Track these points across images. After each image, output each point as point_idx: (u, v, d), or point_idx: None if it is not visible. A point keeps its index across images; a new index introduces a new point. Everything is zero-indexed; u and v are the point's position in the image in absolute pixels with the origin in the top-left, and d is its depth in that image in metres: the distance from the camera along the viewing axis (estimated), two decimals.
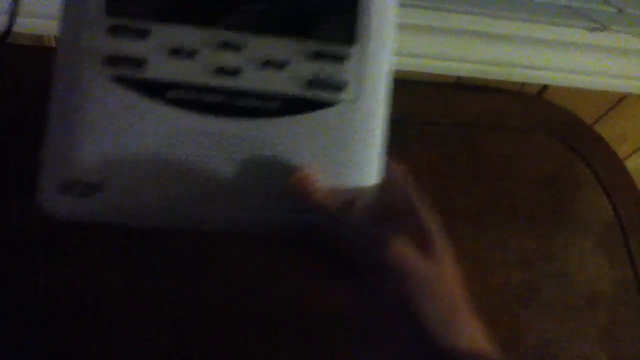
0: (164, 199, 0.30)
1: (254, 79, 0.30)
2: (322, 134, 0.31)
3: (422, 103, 0.62)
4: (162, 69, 0.30)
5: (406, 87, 0.58)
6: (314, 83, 0.31)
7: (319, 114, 0.31)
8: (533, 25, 0.60)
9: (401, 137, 0.55)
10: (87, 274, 0.45)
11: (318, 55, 0.31)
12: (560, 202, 0.61)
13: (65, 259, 0.46)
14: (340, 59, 0.31)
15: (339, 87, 0.31)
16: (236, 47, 0.30)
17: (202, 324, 0.46)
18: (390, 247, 0.29)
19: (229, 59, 0.30)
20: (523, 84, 0.68)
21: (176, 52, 0.30)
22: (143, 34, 0.30)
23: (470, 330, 0.29)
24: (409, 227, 0.31)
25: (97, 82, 0.29)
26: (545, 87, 0.69)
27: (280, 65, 0.31)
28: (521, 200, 0.60)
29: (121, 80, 0.29)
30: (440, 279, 0.29)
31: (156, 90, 0.30)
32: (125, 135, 0.30)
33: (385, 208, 0.32)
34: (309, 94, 0.31)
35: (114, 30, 0.30)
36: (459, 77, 0.66)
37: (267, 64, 0.30)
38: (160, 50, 0.30)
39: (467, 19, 0.59)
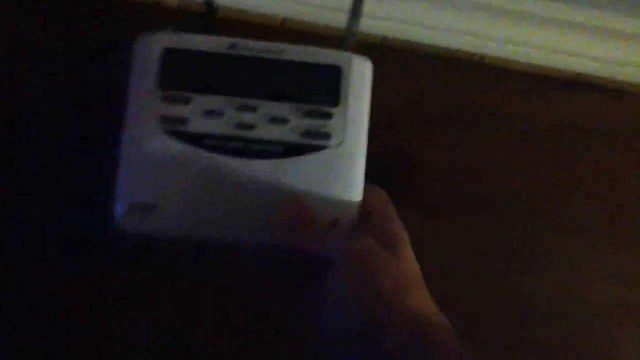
0: (200, 218, 0.42)
1: (264, 131, 0.42)
2: (316, 170, 0.43)
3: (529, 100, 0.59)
4: (199, 124, 0.42)
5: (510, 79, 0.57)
6: (308, 133, 0.43)
7: (313, 155, 0.42)
8: None
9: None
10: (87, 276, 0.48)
11: (310, 114, 0.43)
12: None
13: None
14: (327, 115, 0.43)
15: (326, 136, 0.43)
16: (251, 109, 0.42)
17: (202, 324, 0.48)
18: (359, 242, 0.38)
19: (246, 117, 0.42)
20: None
21: (209, 113, 0.42)
22: (186, 101, 0.42)
23: (423, 298, 0.36)
24: (380, 231, 0.41)
25: (154, 134, 0.41)
26: None
27: (283, 121, 0.42)
28: (623, 215, 0.57)
29: (171, 133, 0.41)
30: (401, 270, 0.37)
31: (195, 139, 0.41)
32: (173, 171, 0.41)
33: (363, 220, 0.42)
34: (305, 141, 0.43)
35: (166, 99, 0.42)
36: (578, 74, 0.61)
37: (274, 120, 0.42)
38: (198, 112, 0.42)
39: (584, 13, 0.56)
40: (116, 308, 0.48)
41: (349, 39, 0.44)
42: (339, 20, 0.49)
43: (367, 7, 0.40)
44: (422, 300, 0.36)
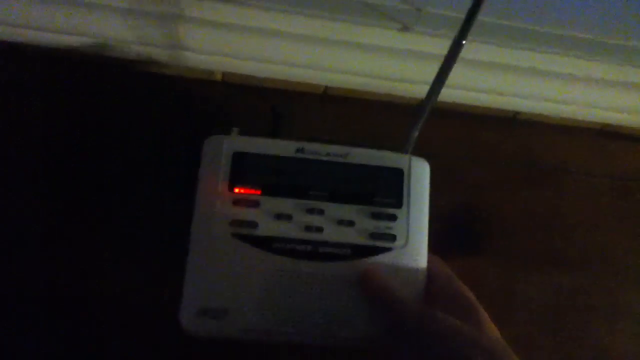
0: (270, 321, 0.42)
1: (332, 234, 0.43)
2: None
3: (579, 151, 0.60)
4: (269, 228, 0.43)
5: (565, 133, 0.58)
6: (374, 235, 0.43)
7: (379, 257, 0.43)
8: None
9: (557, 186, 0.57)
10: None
11: (376, 216, 0.44)
12: None
13: None
14: (392, 217, 0.44)
15: (392, 237, 0.44)
16: (319, 212, 0.43)
17: None
18: (439, 321, 0.38)
19: (314, 220, 0.43)
20: None
21: (278, 216, 0.43)
22: (255, 204, 0.43)
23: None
24: (449, 292, 0.41)
25: (224, 237, 0.42)
26: None
27: (350, 223, 0.43)
28: None
29: (240, 237, 0.42)
30: (482, 336, 0.38)
31: (265, 243, 0.42)
32: (242, 275, 0.42)
33: (434, 292, 0.43)
34: (372, 243, 0.43)
35: (236, 202, 0.43)
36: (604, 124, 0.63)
37: (341, 223, 0.43)
38: (268, 215, 0.43)
39: None
40: None
41: (411, 142, 0.46)
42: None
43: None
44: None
